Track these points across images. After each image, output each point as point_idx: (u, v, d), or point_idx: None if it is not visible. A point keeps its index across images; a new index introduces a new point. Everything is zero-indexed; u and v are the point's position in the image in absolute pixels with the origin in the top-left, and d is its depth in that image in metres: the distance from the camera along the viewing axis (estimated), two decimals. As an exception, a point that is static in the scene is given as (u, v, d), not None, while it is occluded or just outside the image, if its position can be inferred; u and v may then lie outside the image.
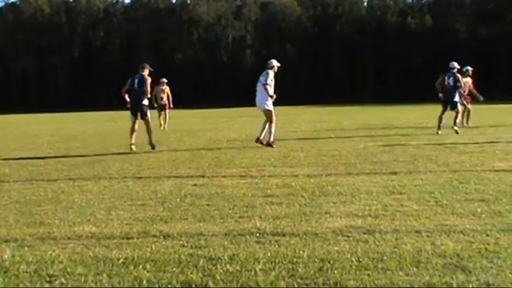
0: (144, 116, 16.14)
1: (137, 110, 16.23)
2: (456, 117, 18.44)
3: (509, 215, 6.84)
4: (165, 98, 26.66)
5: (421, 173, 10.50)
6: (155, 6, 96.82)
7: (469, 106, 22.10)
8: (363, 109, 44.56)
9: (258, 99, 15.99)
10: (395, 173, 10.45)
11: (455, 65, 18.35)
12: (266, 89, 15.57)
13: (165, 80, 26.69)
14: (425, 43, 79.82)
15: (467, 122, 21.82)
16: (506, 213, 6.93)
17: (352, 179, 10.00)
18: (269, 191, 9.01)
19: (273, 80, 15.80)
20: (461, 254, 5.32)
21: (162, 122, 26.32)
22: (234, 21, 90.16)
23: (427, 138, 17.35)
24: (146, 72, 16.27)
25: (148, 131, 16.16)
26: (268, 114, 15.76)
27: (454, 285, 4.50)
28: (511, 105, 35.21)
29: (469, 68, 19.73)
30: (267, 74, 15.75)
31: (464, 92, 21.02)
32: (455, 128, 18.19)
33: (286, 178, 10.28)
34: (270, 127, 15.64)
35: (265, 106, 15.77)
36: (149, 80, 16.18)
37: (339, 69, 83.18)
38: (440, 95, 18.79)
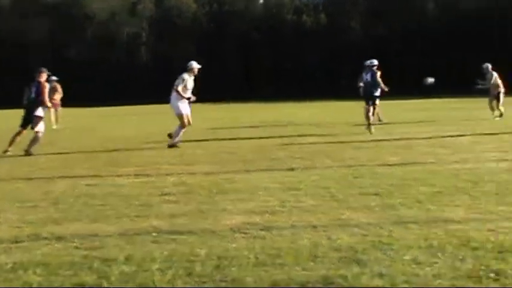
0: (34, 126, 14.92)
1: (29, 120, 15.01)
2: (373, 113, 18.72)
3: (401, 208, 7.05)
4: (55, 97, 25.98)
5: (317, 168, 10.67)
6: (45, 1, 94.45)
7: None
8: (260, 106, 44.88)
9: (171, 102, 15.71)
10: (292, 169, 10.57)
11: (375, 62, 18.73)
12: (178, 92, 15.34)
13: (55, 78, 26.00)
14: (321, 41, 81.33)
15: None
16: (399, 206, 7.14)
17: (250, 176, 10.05)
18: (165, 189, 8.92)
19: (192, 82, 15.57)
20: (356, 247, 5.43)
21: (54, 121, 25.65)
22: (129, 18, 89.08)
23: (323, 134, 17.64)
24: (44, 77, 15.37)
25: (34, 141, 14.89)
26: (179, 117, 15.49)
27: (349, 278, 4.58)
28: (403, 101, 36.33)
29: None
30: (182, 77, 15.44)
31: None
32: (372, 125, 18.40)
33: (183, 176, 10.23)
34: (179, 128, 15.42)
35: (176, 109, 15.50)
36: (47, 87, 15.37)
37: (236, 66, 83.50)
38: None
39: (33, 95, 15.08)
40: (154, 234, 6.18)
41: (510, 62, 38.47)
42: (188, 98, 15.60)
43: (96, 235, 6.22)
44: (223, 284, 4.58)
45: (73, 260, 5.31)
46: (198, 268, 4.98)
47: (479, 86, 23.22)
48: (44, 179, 10.41)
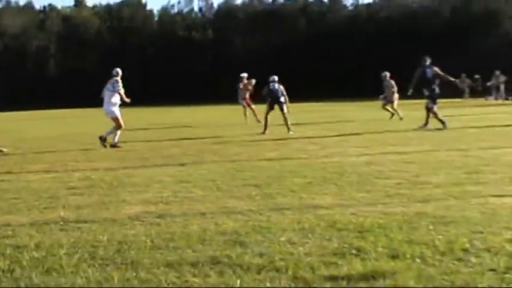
0: None
1: None
2: (286, 118, 18.60)
3: (277, 197, 7.15)
4: None
5: (205, 163, 10.69)
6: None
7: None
8: (156, 110, 44.45)
9: (105, 106, 15.01)
10: (183, 165, 10.54)
11: (276, 78, 18.78)
12: (121, 94, 14.78)
13: None
14: (209, 54, 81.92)
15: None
16: (275, 195, 7.24)
17: (146, 171, 9.94)
18: (72, 183, 8.70)
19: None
20: (239, 231, 5.46)
21: None
22: (39, 33, 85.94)
23: (211, 135, 17.64)
24: None
25: None
26: (114, 119, 14.82)
27: (234, 257, 4.61)
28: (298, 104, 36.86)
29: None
30: (117, 81, 14.82)
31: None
32: (291, 129, 17.85)
33: (87, 172, 9.98)
34: (115, 130, 14.76)
35: (111, 112, 14.85)
36: None
37: (137, 79, 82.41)
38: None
39: None
40: (61, 223, 6.01)
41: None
42: (125, 102, 15.11)
43: (9, 225, 5.99)
44: (123, 266, 4.50)
45: (-13, 249, 5.08)
46: (101, 252, 4.88)
47: (382, 96, 23.15)
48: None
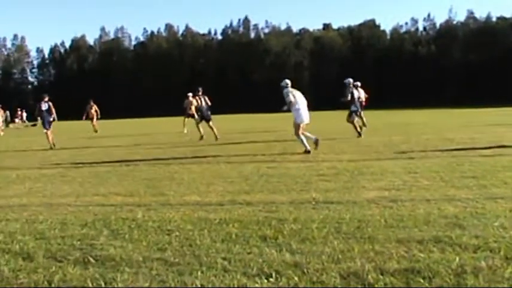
0: None
1: None
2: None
3: (492, 188, 6.64)
4: None
5: (430, 158, 10.23)
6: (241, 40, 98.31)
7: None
8: (389, 112, 43.73)
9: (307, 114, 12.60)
10: (412, 158, 10.21)
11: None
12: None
13: None
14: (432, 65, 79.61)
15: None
16: (490, 186, 6.70)
17: (381, 163, 9.82)
18: (321, 171, 8.91)
19: None
20: (458, 215, 5.27)
21: None
22: (296, 51, 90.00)
23: (434, 132, 16.81)
24: None
25: None
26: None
27: (453, 238, 4.44)
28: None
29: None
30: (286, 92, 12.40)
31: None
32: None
33: (333, 162, 10.15)
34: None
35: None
36: None
37: (372, 87, 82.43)
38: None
39: None
40: (313, 203, 6.23)
41: None
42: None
43: (274, 202, 6.35)
44: (362, 240, 4.54)
45: (258, 219, 5.47)
46: (344, 228, 4.97)
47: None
48: (238, 163, 10.74)
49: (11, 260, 4.36)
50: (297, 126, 12.36)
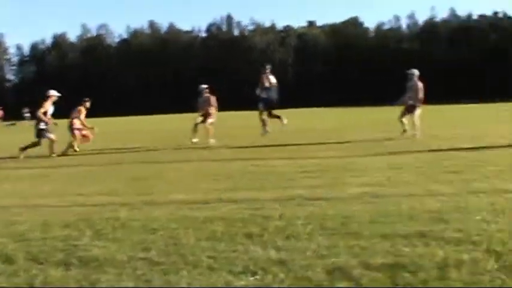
0: None
1: None
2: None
3: (473, 182, 6.72)
4: None
5: (413, 153, 10.31)
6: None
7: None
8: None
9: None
10: (395, 153, 10.27)
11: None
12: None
13: None
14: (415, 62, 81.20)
15: None
16: (472, 181, 6.79)
17: (365, 159, 9.89)
18: (306, 168, 8.94)
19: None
20: (441, 210, 5.28)
21: None
22: (280, 48, 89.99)
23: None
24: None
25: None
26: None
27: (437, 232, 4.45)
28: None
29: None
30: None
31: None
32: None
33: (318, 159, 10.19)
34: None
35: None
36: None
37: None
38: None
39: None
40: (298, 199, 6.24)
41: None
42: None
43: (258, 200, 6.34)
44: (347, 236, 4.54)
45: (243, 217, 5.44)
46: (329, 224, 4.97)
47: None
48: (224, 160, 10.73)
49: (-10, 263, 4.30)
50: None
